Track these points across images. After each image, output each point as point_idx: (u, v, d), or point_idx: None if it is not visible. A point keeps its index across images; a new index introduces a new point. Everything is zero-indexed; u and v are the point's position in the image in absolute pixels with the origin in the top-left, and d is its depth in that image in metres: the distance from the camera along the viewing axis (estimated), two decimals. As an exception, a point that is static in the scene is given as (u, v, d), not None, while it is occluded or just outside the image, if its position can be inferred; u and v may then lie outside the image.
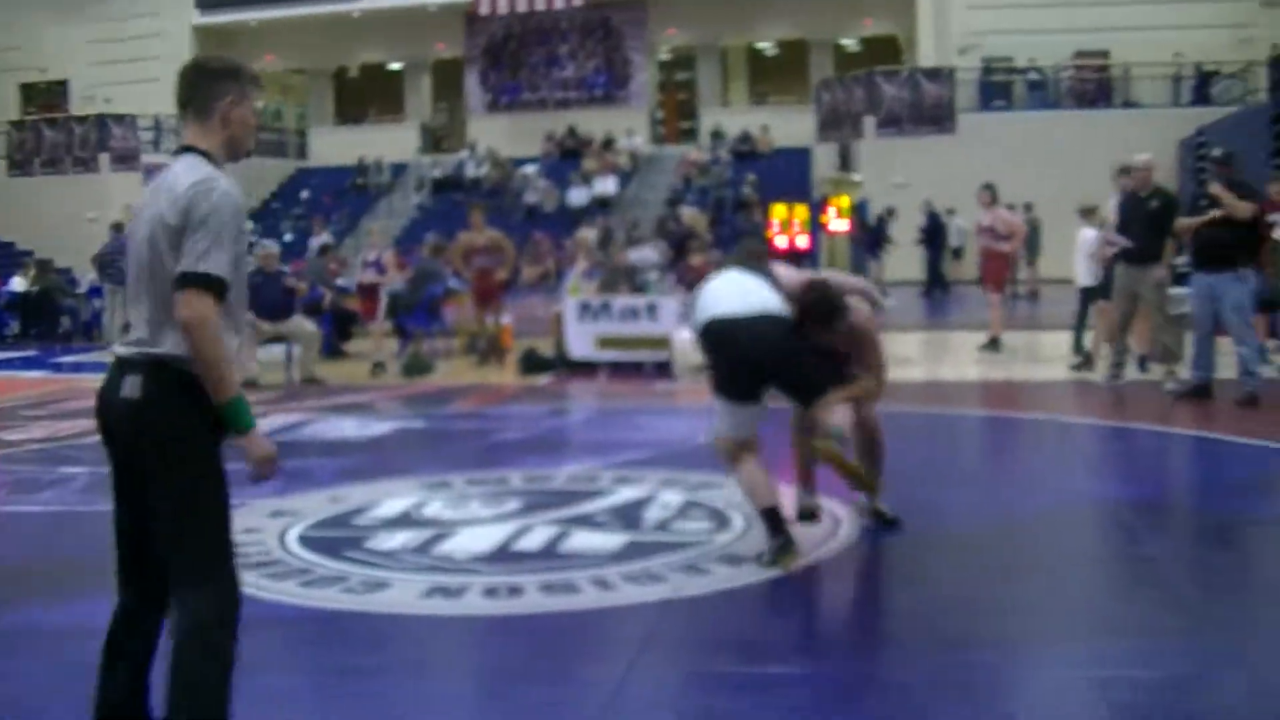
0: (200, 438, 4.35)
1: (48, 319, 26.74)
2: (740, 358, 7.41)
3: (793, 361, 7.32)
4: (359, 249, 26.85)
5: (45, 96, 47.56)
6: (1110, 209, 15.54)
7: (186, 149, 4.48)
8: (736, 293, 7.40)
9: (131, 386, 4.31)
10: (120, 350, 4.42)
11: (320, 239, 26.19)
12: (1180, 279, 14.37)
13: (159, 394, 4.31)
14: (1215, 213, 12.84)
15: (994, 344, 18.25)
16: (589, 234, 21.46)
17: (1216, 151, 14.15)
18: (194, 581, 4.35)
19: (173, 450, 4.34)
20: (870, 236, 33.91)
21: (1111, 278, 14.96)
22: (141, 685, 4.61)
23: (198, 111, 4.50)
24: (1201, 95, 36.85)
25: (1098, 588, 7.20)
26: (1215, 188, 12.84)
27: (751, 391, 7.47)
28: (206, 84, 4.51)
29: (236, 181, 4.43)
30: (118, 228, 23.57)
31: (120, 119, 41.00)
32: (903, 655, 6.04)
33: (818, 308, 7.29)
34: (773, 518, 7.36)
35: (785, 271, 7.64)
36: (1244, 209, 12.79)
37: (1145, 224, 13.84)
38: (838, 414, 7.44)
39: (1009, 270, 19.41)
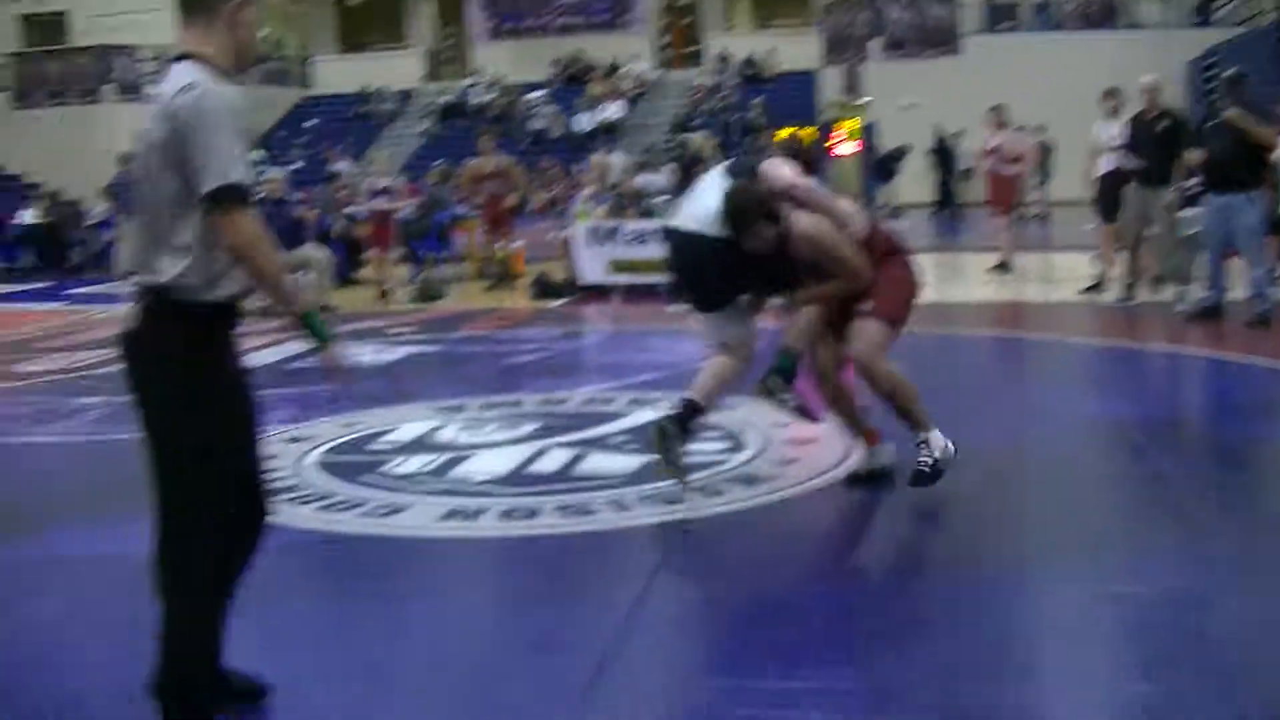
0: (193, 376, 4.12)
1: (58, 251, 26.77)
2: (670, 267, 7.52)
3: (701, 271, 7.19)
4: (366, 177, 26.82)
5: (47, 29, 47.30)
6: (1097, 132, 15.49)
7: (183, 56, 4.16)
8: (689, 201, 7.32)
9: (129, 317, 4.12)
10: (134, 279, 4.19)
11: (337, 166, 26.11)
12: (1191, 200, 14.34)
13: (152, 325, 4.10)
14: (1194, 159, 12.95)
15: (1003, 267, 18.24)
16: (606, 159, 21.45)
17: (1227, 72, 14.09)
18: (175, 538, 4.17)
19: (160, 388, 4.12)
20: (879, 163, 33.87)
21: (1110, 201, 15.03)
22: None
23: (202, 14, 4.18)
24: (1207, 16, 36.64)
25: (1105, 505, 7.24)
26: (1235, 114, 12.78)
27: (691, 299, 7.41)
28: None
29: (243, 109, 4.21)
30: (124, 159, 23.54)
31: (121, 49, 40.84)
32: (912, 572, 6.12)
33: (734, 215, 6.94)
34: (687, 411, 7.19)
35: (774, 170, 7.27)
36: (1269, 135, 12.80)
37: (1154, 146, 13.84)
38: (796, 328, 7.21)
39: (1016, 193, 19.32)
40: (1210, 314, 13.06)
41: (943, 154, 32.56)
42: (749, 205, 6.94)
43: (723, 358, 7.28)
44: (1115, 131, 14.84)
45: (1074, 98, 24.17)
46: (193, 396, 4.11)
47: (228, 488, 4.23)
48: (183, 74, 4.06)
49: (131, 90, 40.07)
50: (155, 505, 4.20)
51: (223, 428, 4.19)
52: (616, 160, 20.94)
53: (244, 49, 4.28)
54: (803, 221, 6.98)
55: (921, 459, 7.07)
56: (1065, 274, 17.35)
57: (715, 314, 7.28)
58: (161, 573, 4.19)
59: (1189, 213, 14.05)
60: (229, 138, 3.97)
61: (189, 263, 4.04)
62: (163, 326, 4.08)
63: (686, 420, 7.19)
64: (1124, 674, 4.84)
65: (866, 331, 7.10)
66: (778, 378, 7.23)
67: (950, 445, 7.07)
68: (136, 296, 4.14)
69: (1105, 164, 15.08)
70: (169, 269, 4.04)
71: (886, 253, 7.29)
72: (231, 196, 3.95)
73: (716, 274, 7.09)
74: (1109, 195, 15.03)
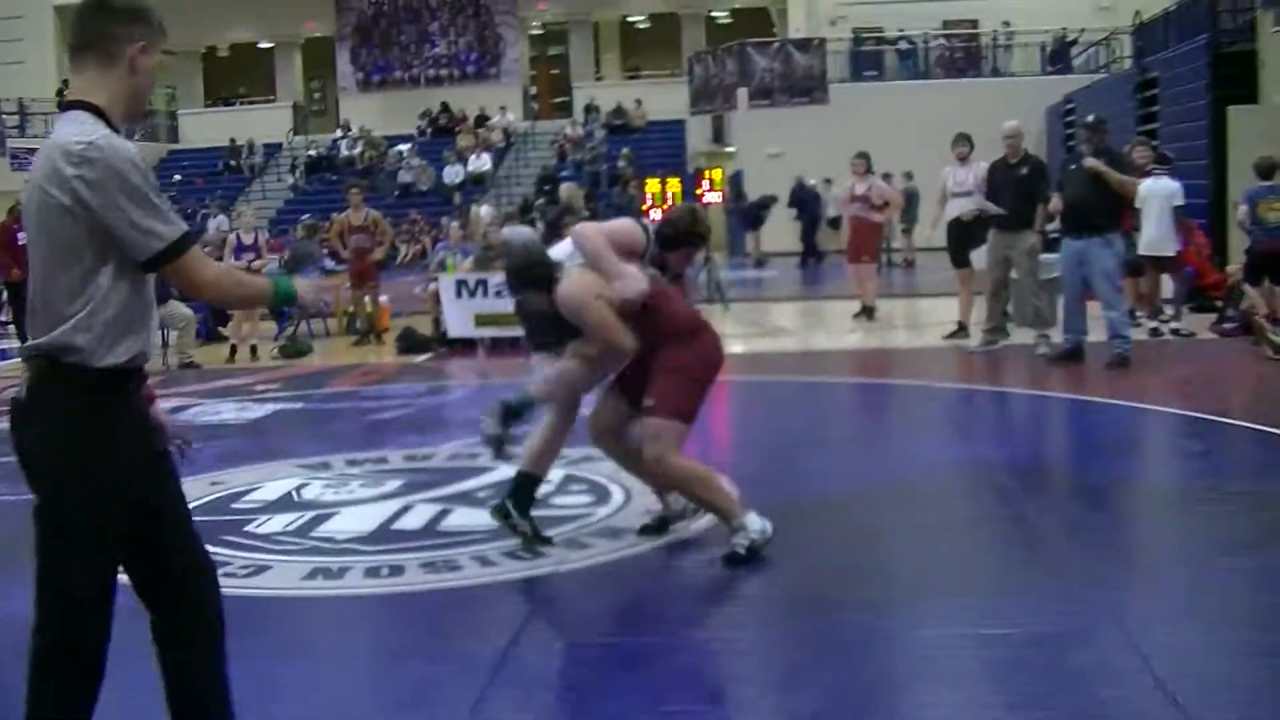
0: (86, 444, 3.83)
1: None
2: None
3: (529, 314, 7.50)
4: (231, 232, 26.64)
5: (-94, 83, 46.63)
6: (945, 176, 15.72)
7: (74, 104, 3.89)
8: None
9: (19, 386, 3.86)
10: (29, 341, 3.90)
11: (212, 224, 25.90)
12: (1051, 244, 14.58)
13: (42, 395, 3.84)
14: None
15: (868, 312, 18.38)
16: (477, 210, 21.47)
17: (1088, 118, 14.37)
18: (39, 618, 3.90)
19: (48, 463, 3.85)
20: (748, 210, 34.13)
21: (959, 246, 15.30)
22: (177, 709, 4.26)
23: (101, 56, 3.90)
24: (1067, 63, 37.35)
25: (972, 548, 7.29)
26: (1092, 163, 12.98)
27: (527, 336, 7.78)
28: (117, 24, 3.93)
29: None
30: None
31: (-14, 103, 40.35)
32: (779, 619, 6.10)
33: (507, 276, 7.45)
34: (524, 484, 7.32)
35: (580, 231, 7.23)
36: (1130, 187, 13.09)
37: (1015, 191, 14.04)
38: (540, 380, 7.35)
39: (881, 240, 19.46)
40: (1071, 356, 13.27)
41: (802, 203, 32.87)
42: (518, 269, 7.18)
43: (549, 419, 7.34)
44: (964, 177, 15.09)
45: (939, 145, 24.49)
46: (83, 465, 3.82)
47: (114, 558, 3.97)
48: (76, 126, 3.81)
49: (-5, 145, 39.55)
50: (39, 580, 3.90)
51: (114, 496, 3.89)
52: (485, 212, 20.91)
53: (140, 97, 4.07)
54: (563, 285, 6.90)
55: (736, 543, 6.84)
56: (930, 320, 17.54)
57: (545, 354, 7.48)
58: (40, 650, 3.90)
59: (1049, 257, 14.26)
60: (146, 195, 3.77)
61: (84, 328, 3.79)
62: (55, 392, 3.81)
63: (524, 495, 7.26)
64: (993, 714, 4.86)
65: (651, 431, 6.89)
66: (500, 411, 7.31)
67: (768, 526, 6.88)
68: (28, 361, 3.88)
69: (952, 209, 15.34)
70: (63, 334, 3.78)
71: (680, 332, 7.02)
72: (179, 250, 3.84)
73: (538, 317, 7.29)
74: (957, 241, 15.31)
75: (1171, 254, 15.56)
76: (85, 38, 3.94)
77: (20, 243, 17.87)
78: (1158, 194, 15.08)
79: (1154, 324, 15.56)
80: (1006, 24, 38.03)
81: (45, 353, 3.82)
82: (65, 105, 3.95)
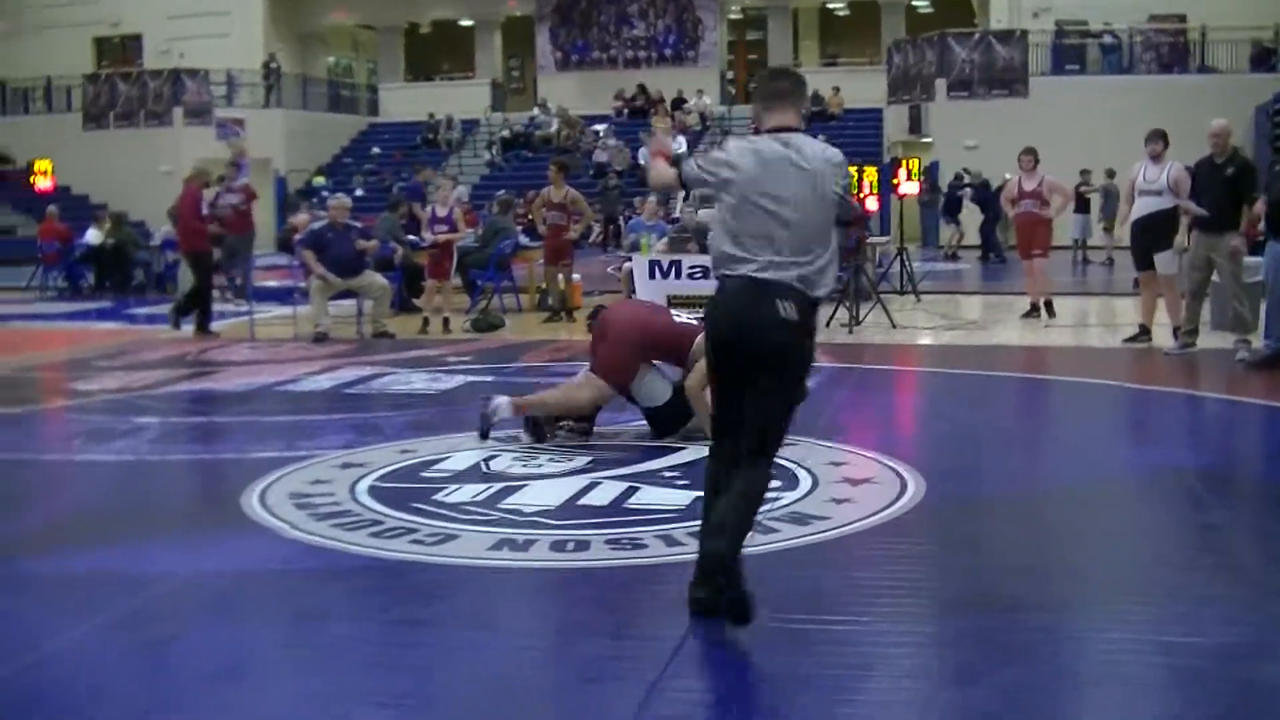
0: (812, 357, 6.01)
1: (121, 272, 26.91)
2: None
3: None
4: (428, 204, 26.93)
5: (118, 51, 47.79)
6: (1135, 172, 15.20)
7: (797, 129, 6.02)
8: None
9: (789, 310, 5.66)
10: (766, 275, 5.68)
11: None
12: (1257, 247, 14.20)
13: (808, 323, 5.79)
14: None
15: (1048, 309, 18.10)
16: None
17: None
18: (765, 453, 5.81)
19: (803, 365, 5.90)
20: (949, 198, 33.76)
21: (1143, 247, 14.83)
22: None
23: (797, 107, 6.17)
24: (1273, 62, 36.30)
25: (1159, 554, 7.16)
26: None
27: None
28: (805, 89, 6.47)
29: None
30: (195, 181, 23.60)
31: (194, 74, 41.28)
32: (959, 614, 6.04)
33: None
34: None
35: None
36: None
37: (1221, 191, 13.70)
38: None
39: (1051, 235, 18.86)
40: (1271, 363, 12.95)
41: (984, 201, 32.33)
42: None
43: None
44: (1155, 175, 14.59)
45: (1141, 142, 24.00)
46: (807, 375, 6.10)
47: None
48: (818, 144, 6.05)
49: (200, 115, 40.43)
50: (755, 442, 5.76)
51: None
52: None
53: None
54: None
55: None
56: (1127, 319, 17.17)
57: None
58: (748, 491, 5.78)
59: (1253, 259, 13.94)
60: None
61: (830, 273, 5.89)
62: (811, 316, 5.82)
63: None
64: (1173, 724, 4.78)
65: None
66: None
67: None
68: (784, 293, 5.67)
69: (1140, 208, 14.91)
70: (826, 286, 5.85)
71: None
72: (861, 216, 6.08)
73: None
74: (1141, 242, 14.83)
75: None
76: (789, 92, 6.19)
77: (205, 211, 18.40)
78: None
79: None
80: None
81: (813, 295, 5.79)
82: (789, 128, 6.04)
